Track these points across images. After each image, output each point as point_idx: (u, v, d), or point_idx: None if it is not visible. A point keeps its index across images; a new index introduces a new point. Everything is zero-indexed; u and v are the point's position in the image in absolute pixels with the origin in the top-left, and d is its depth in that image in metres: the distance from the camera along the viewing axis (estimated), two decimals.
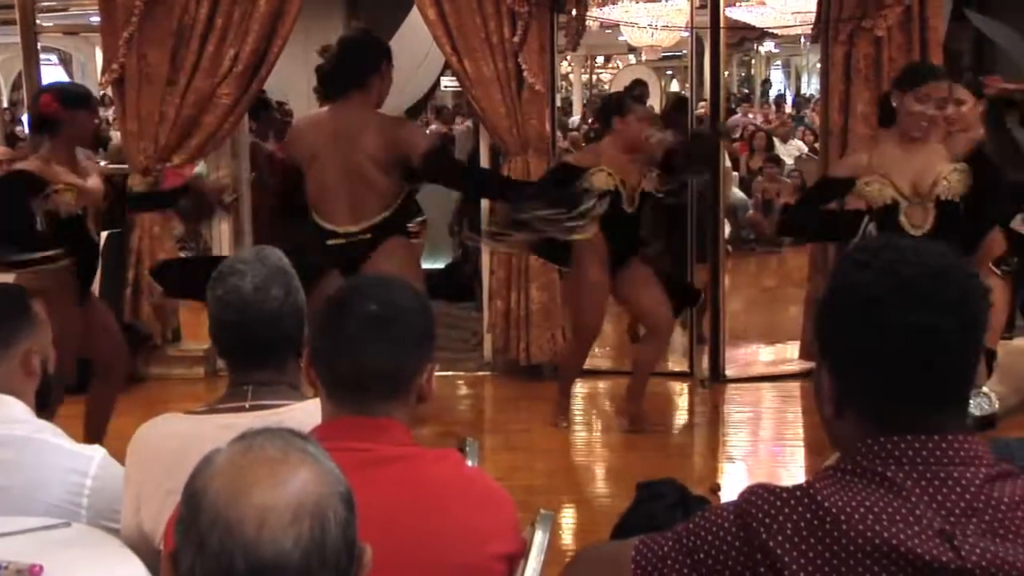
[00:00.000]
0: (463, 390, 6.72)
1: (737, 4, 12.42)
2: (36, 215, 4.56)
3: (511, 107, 6.39)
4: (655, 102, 15.12)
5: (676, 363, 6.90)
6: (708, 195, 6.86)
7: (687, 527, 1.43)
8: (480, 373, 6.86)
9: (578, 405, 6.27)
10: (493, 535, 1.81)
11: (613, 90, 13.80)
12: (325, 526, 1.16)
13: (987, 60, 10.09)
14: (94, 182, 4.79)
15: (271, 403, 2.17)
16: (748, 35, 17.07)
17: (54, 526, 2.15)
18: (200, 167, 6.83)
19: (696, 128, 7.22)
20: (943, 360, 1.39)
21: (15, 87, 14.65)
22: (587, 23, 7.07)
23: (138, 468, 2.19)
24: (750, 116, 16.62)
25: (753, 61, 23.10)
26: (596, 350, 6.42)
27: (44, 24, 7.71)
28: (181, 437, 2.13)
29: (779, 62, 24.12)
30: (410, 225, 5.12)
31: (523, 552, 1.90)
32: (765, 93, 21.98)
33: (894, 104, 4.59)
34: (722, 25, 6.77)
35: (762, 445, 6.03)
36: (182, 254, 5.51)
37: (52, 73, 14.15)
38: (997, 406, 1.79)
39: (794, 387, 6.57)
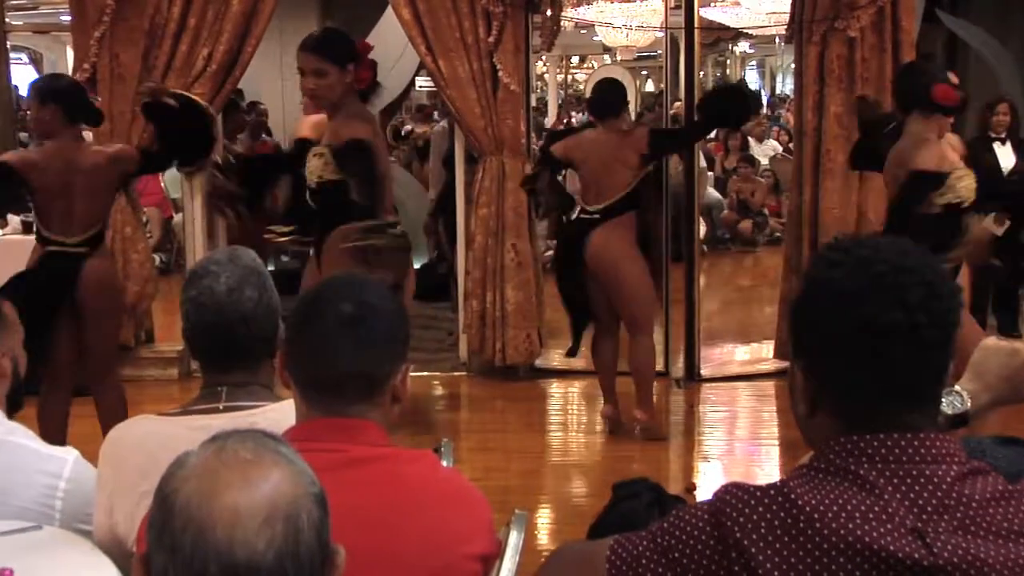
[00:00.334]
0: (438, 391, 6.71)
1: (712, 4, 12.47)
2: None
3: (486, 107, 6.39)
4: (631, 102, 15.13)
5: None
6: (683, 195, 6.89)
7: (662, 527, 1.43)
8: (455, 373, 6.86)
9: (554, 406, 6.28)
10: (468, 536, 1.80)
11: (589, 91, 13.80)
12: (298, 527, 1.16)
13: (959, 61, 10.17)
14: None
15: (245, 404, 2.16)
16: (723, 35, 17.12)
17: (26, 529, 2.13)
18: (173, 168, 6.78)
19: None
20: (915, 358, 1.39)
21: None
22: (562, 23, 7.08)
23: (111, 470, 2.18)
24: None
25: (728, 61, 23.18)
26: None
27: (14, 23, 7.67)
28: (155, 439, 2.12)
29: (754, 62, 24.23)
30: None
31: (498, 552, 1.90)
32: None
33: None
34: (697, 25, 6.79)
35: (737, 444, 6.06)
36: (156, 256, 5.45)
37: (23, 72, 14.03)
38: (969, 404, 1.80)
39: (769, 386, 6.59)
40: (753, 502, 1.38)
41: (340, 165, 4.60)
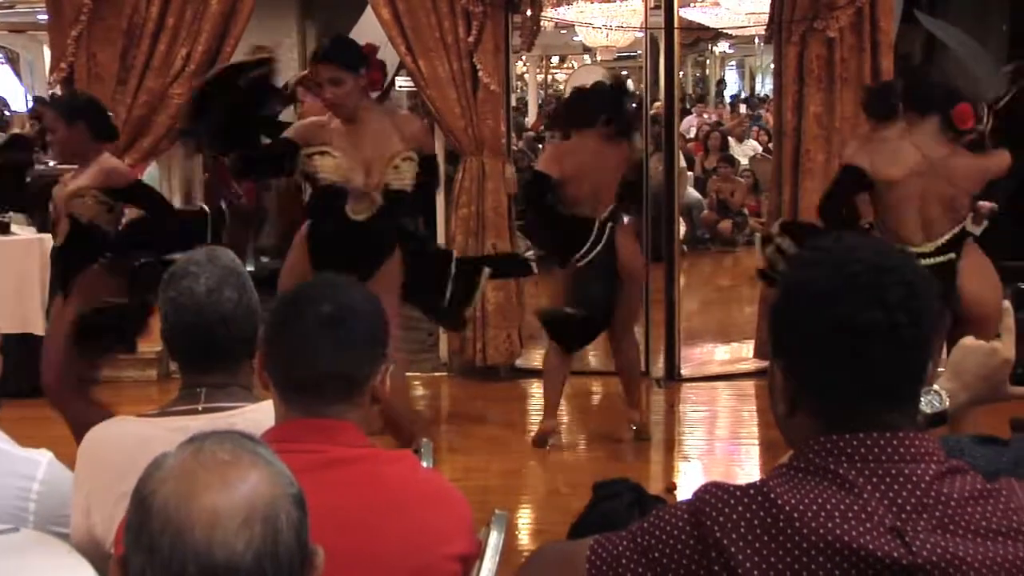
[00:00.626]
0: (419, 391, 6.70)
1: (691, 5, 12.50)
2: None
3: (466, 107, 6.39)
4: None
5: None
6: (663, 195, 6.90)
7: (641, 526, 1.43)
8: (436, 374, 6.85)
9: (534, 406, 6.27)
10: (448, 536, 1.80)
11: (568, 91, 13.81)
12: (277, 528, 1.15)
13: (937, 62, 10.22)
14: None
15: (225, 405, 2.16)
16: (703, 36, 17.17)
17: (3, 531, 2.11)
18: (152, 168, 6.75)
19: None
20: (894, 357, 1.40)
21: None
22: (542, 23, 7.10)
23: (89, 471, 2.16)
24: (705, 116, 16.72)
25: (708, 61, 23.24)
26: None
27: None
28: (133, 440, 2.11)
29: (733, 62, 24.28)
30: None
31: (478, 553, 1.90)
32: (720, 93, 22.11)
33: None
34: (676, 26, 6.81)
35: (718, 444, 6.07)
36: None
37: None
38: (948, 403, 1.80)
39: (749, 386, 6.61)
40: (733, 502, 1.38)
41: (427, 172, 4.77)
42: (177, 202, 6.69)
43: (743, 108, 18.58)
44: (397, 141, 4.68)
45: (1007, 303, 1.86)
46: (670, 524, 1.40)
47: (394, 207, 4.71)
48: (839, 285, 1.39)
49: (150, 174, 6.91)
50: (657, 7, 7.11)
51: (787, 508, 1.35)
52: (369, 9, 6.60)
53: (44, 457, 2.29)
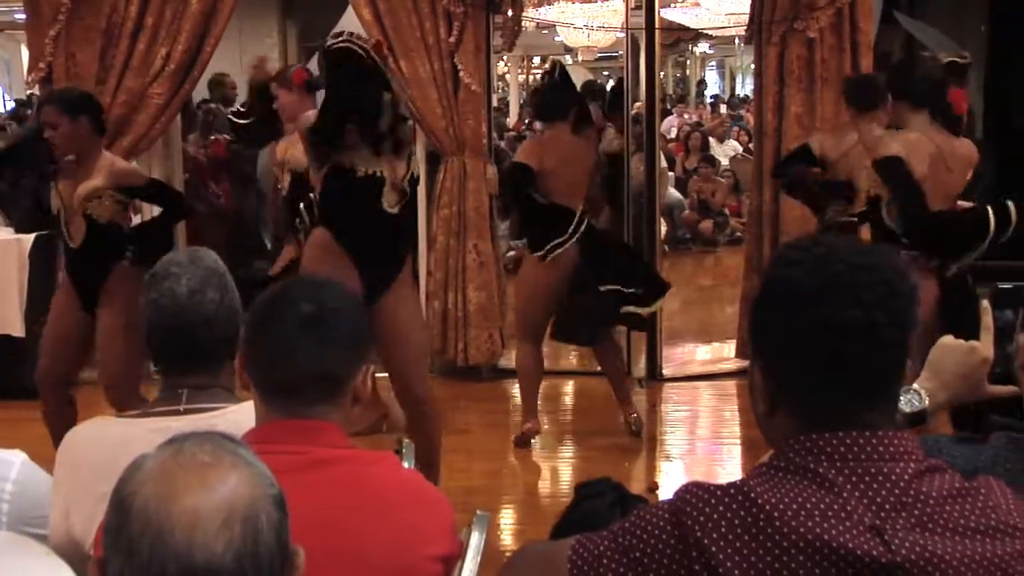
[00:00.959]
0: None
1: (672, 5, 12.51)
2: None
3: (447, 107, 6.39)
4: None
5: None
6: (644, 195, 6.91)
7: (623, 526, 1.43)
8: None
9: (516, 406, 6.27)
10: (431, 537, 1.80)
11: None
12: (257, 529, 1.15)
13: (916, 62, 10.26)
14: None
15: (207, 406, 2.15)
16: (683, 36, 17.19)
17: None
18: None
19: None
20: (873, 356, 1.40)
21: None
22: (523, 24, 7.09)
23: (68, 472, 2.15)
24: (686, 116, 16.75)
25: (688, 62, 23.28)
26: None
27: None
28: (113, 441, 2.10)
29: (714, 63, 24.34)
30: None
31: (460, 554, 1.90)
32: (700, 94, 22.17)
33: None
34: (657, 26, 6.82)
35: (699, 444, 6.08)
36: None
37: None
38: (927, 402, 1.81)
39: (730, 385, 6.63)
40: (713, 501, 1.38)
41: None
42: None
43: (723, 108, 18.63)
44: None
45: (985, 302, 1.87)
46: (651, 524, 1.40)
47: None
48: (819, 284, 1.39)
49: None
50: (638, 7, 7.12)
51: (767, 507, 1.36)
52: (350, 9, 6.58)
53: (17, 458, 2.27)
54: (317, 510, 1.68)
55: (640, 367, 6.73)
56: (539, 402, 5.74)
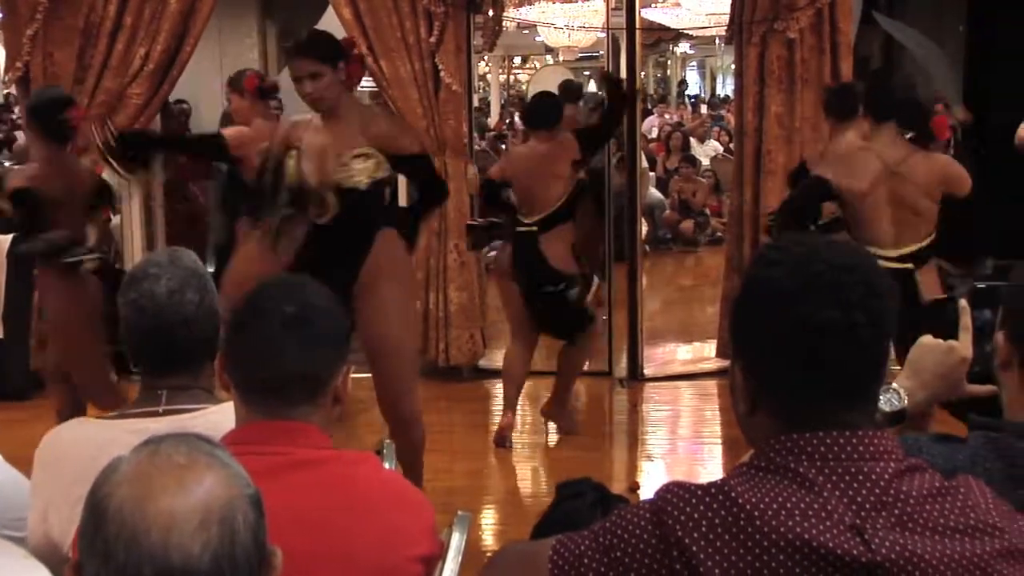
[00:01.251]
0: None
1: (653, 5, 12.54)
2: None
3: (428, 107, 6.38)
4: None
5: (594, 362, 6.93)
6: (625, 195, 6.92)
7: (604, 526, 1.43)
8: None
9: (497, 406, 6.27)
10: (414, 537, 1.80)
11: (531, 91, 13.83)
12: (234, 530, 1.15)
13: (896, 63, 10.32)
14: None
15: (186, 407, 2.14)
16: (664, 36, 17.23)
17: None
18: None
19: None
20: (853, 356, 1.40)
21: None
22: (504, 24, 7.09)
23: (46, 474, 2.14)
24: (666, 116, 16.78)
25: (669, 62, 23.33)
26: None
27: None
28: (92, 443, 2.08)
29: (694, 63, 24.39)
30: None
31: (440, 554, 1.90)
32: (681, 94, 22.21)
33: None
34: (638, 26, 6.83)
35: (680, 443, 6.09)
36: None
37: None
38: (906, 402, 1.82)
39: (711, 385, 6.64)
40: (694, 501, 1.38)
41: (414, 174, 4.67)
42: (136, 203, 6.63)
43: (704, 109, 18.67)
44: (360, 139, 4.52)
45: (963, 302, 1.87)
46: (632, 523, 1.40)
47: (351, 207, 4.44)
48: (799, 284, 1.40)
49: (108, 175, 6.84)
50: (618, 8, 7.14)
51: (748, 507, 1.36)
52: (330, 9, 6.57)
53: None
54: (303, 511, 1.68)
55: (621, 367, 6.74)
56: (520, 401, 5.75)
